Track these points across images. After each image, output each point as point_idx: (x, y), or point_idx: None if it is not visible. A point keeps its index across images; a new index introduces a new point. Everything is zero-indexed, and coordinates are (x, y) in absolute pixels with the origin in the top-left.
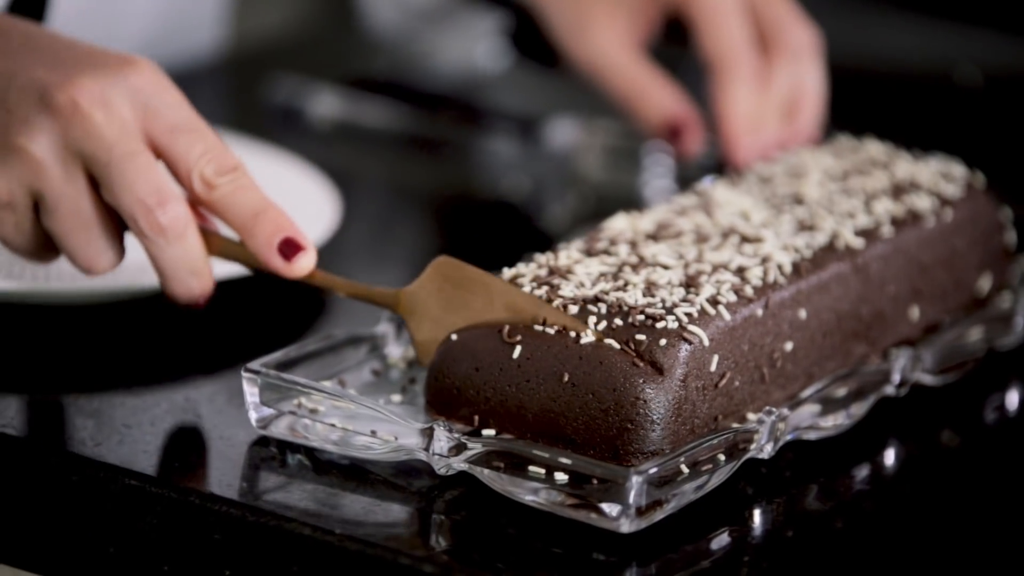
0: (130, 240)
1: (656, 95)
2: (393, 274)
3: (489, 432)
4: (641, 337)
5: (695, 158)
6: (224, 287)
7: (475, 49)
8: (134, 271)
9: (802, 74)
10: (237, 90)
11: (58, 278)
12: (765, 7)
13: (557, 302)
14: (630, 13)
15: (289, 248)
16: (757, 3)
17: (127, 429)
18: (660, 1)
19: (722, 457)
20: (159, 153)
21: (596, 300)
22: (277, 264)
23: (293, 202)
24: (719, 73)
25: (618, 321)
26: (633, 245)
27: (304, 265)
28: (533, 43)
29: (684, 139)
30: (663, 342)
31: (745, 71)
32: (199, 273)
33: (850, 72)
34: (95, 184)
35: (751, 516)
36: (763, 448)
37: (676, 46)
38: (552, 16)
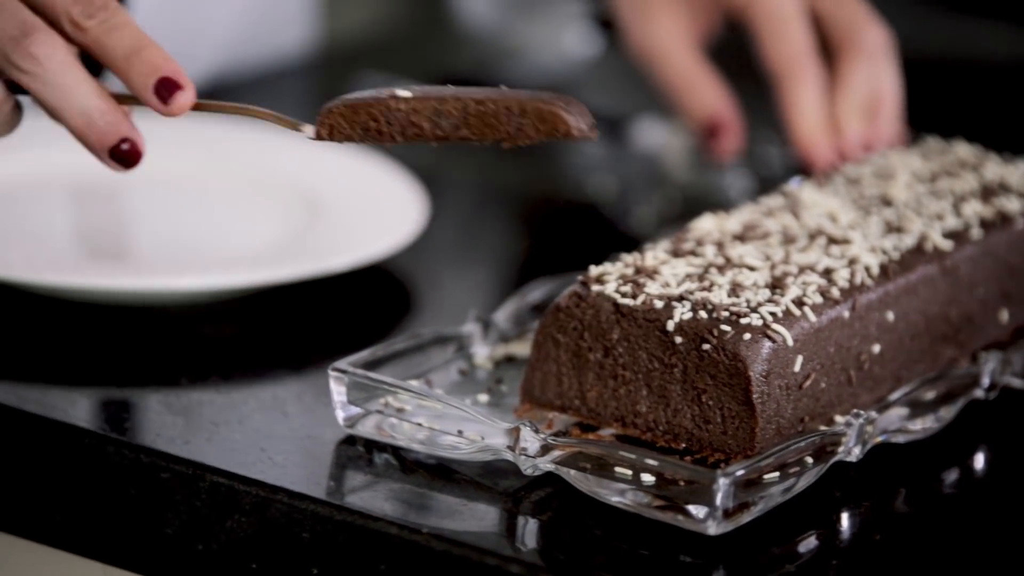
0: (219, 245)
1: (702, 91)
2: (480, 274)
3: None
4: (725, 329)
5: (730, 160)
6: (310, 285)
7: (564, 37)
8: (218, 272)
9: (878, 75)
10: (326, 89)
11: (148, 276)
12: (836, 8)
13: (641, 298)
14: (691, 9)
15: (165, 87)
16: (826, 5)
17: (215, 427)
18: (722, 3)
19: (810, 460)
20: (28, 3)
21: (681, 299)
22: (154, 104)
23: (381, 201)
24: (784, 80)
25: (702, 316)
26: (719, 246)
27: (182, 104)
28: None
29: (722, 139)
30: (747, 337)
31: (811, 78)
32: (94, 111)
33: (939, 72)
34: None
35: (839, 519)
36: (851, 451)
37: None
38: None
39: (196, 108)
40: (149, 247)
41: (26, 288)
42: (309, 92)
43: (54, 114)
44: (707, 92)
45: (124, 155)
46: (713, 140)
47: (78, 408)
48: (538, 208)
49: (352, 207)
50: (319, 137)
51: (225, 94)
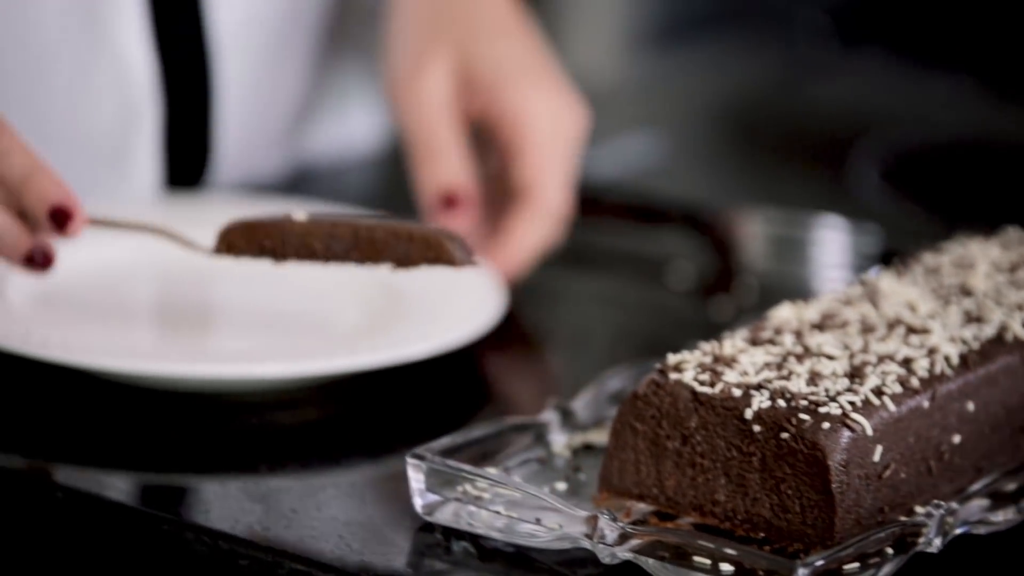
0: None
1: (445, 162)
2: (558, 362)
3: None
4: (804, 417)
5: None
6: (390, 371)
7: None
8: (297, 360)
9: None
10: (396, 177)
11: (227, 364)
12: (505, 102)
13: (719, 386)
14: (462, 84)
15: (57, 216)
16: (494, 95)
17: (294, 514)
18: (486, 103)
19: (890, 550)
20: None
21: (759, 387)
22: (52, 232)
23: (458, 293)
24: (525, 200)
25: (781, 404)
26: (798, 335)
27: (74, 229)
28: None
29: (455, 215)
30: (826, 426)
31: (541, 212)
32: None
33: (1017, 161)
34: None
35: None
36: (932, 542)
37: None
38: (393, 49)
39: (95, 224)
40: (229, 334)
41: (106, 375)
42: (380, 181)
43: None
44: (450, 164)
45: (36, 263)
46: (446, 214)
47: (157, 495)
48: (616, 297)
49: (432, 294)
50: (218, 251)
51: (295, 183)
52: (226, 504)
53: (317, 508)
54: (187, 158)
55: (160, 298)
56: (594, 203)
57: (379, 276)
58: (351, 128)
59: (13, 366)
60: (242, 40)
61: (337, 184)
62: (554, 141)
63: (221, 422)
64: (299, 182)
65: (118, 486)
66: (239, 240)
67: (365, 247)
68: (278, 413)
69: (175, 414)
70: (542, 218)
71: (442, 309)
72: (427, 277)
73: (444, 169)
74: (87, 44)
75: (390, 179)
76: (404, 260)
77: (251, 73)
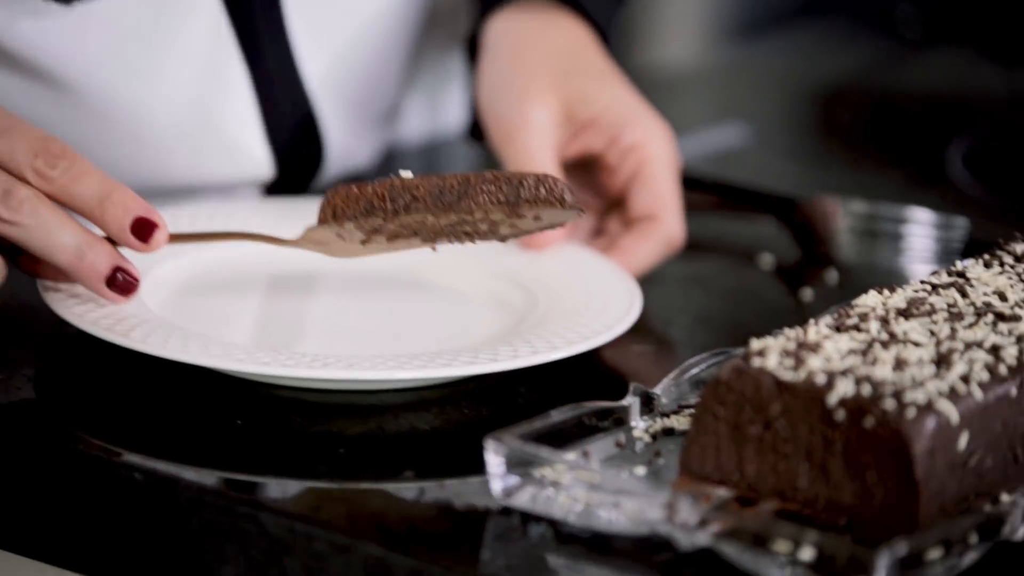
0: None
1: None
2: (641, 347)
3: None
4: (889, 404)
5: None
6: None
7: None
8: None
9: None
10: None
11: (309, 367)
12: (616, 119)
13: (803, 372)
14: (565, 122)
15: (142, 228)
16: (598, 110)
17: (371, 498)
18: (598, 137)
19: (974, 538)
20: None
21: (844, 374)
22: (133, 245)
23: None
24: (649, 225)
25: (865, 393)
26: (884, 322)
27: (159, 240)
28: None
29: (550, 237)
30: (911, 413)
31: (662, 236)
32: (83, 244)
33: None
34: None
35: None
36: (1017, 530)
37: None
38: (495, 86)
39: (176, 240)
40: (361, 340)
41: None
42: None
43: (46, 255)
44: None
45: (120, 285)
46: (540, 237)
47: (243, 484)
48: (702, 283)
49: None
50: (322, 220)
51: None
52: (305, 490)
53: (395, 493)
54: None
55: (277, 301)
56: (684, 190)
57: (508, 278)
58: (442, 114)
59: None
60: (336, 83)
61: (429, 164)
62: (671, 173)
63: (292, 412)
64: (392, 165)
65: (197, 474)
66: (343, 204)
67: (475, 193)
68: (355, 404)
69: (252, 406)
70: (664, 242)
71: (580, 312)
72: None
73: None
74: (200, 129)
75: (480, 157)
76: (515, 203)
77: (348, 85)
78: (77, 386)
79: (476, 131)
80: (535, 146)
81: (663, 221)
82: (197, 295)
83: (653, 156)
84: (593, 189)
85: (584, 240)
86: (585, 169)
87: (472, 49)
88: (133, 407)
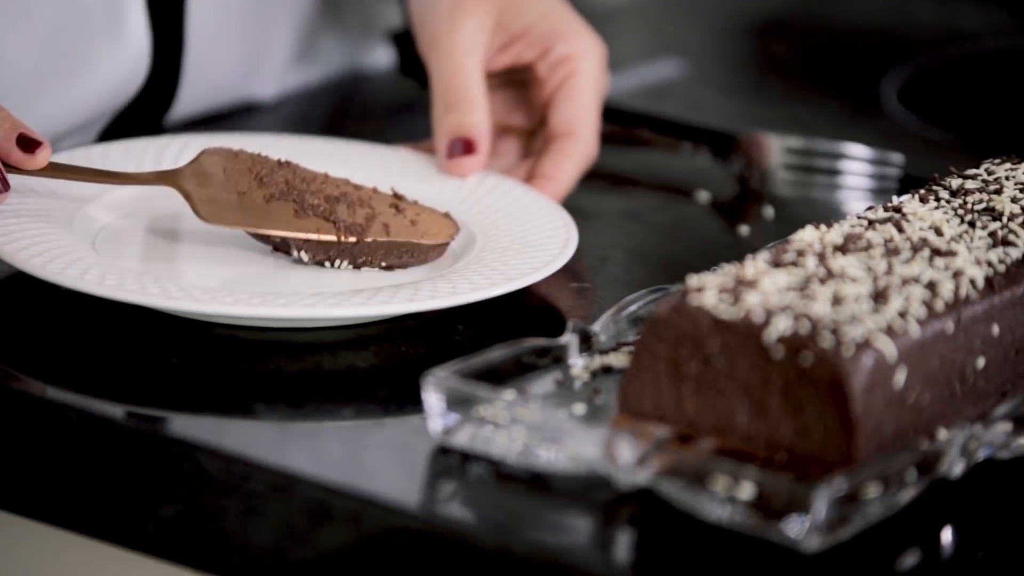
0: None
1: (470, 110)
2: (578, 284)
3: (670, 445)
4: (826, 341)
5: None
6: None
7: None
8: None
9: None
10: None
11: (292, 307)
12: (544, 26)
13: (741, 310)
14: (497, 28)
15: (26, 142)
16: (529, 21)
17: (309, 436)
18: (530, 50)
19: (912, 475)
20: None
21: (781, 311)
22: (18, 157)
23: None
24: (559, 141)
25: (803, 330)
26: (821, 258)
27: (43, 157)
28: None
29: (465, 160)
30: (848, 349)
31: (580, 150)
32: None
33: None
34: None
35: (940, 537)
36: (954, 466)
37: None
38: (425, 2)
39: (58, 174)
40: (297, 277)
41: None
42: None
43: None
44: (474, 112)
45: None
46: (461, 158)
47: (180, 423)
48: (638, 219)
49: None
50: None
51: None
52: (242, 428)
53: (334, 431)
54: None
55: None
56: (618, 125)
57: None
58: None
59: (69, 303)
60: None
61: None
62: (595, 87)
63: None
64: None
65: (134, 413)
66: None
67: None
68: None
69: (227, 352)
70: (582, 160)
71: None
72: (495, 214)
73: (467, 116)
74: None
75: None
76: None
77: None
78: (10, 325)
79: (406, 66)
80: (460, 51)
81: (580, 138)
82: (131, 232)
83: (582, 70)
84: (522, 108)
85: (512, 162)
86: (515, 87)
87: None
88: (68, 346)
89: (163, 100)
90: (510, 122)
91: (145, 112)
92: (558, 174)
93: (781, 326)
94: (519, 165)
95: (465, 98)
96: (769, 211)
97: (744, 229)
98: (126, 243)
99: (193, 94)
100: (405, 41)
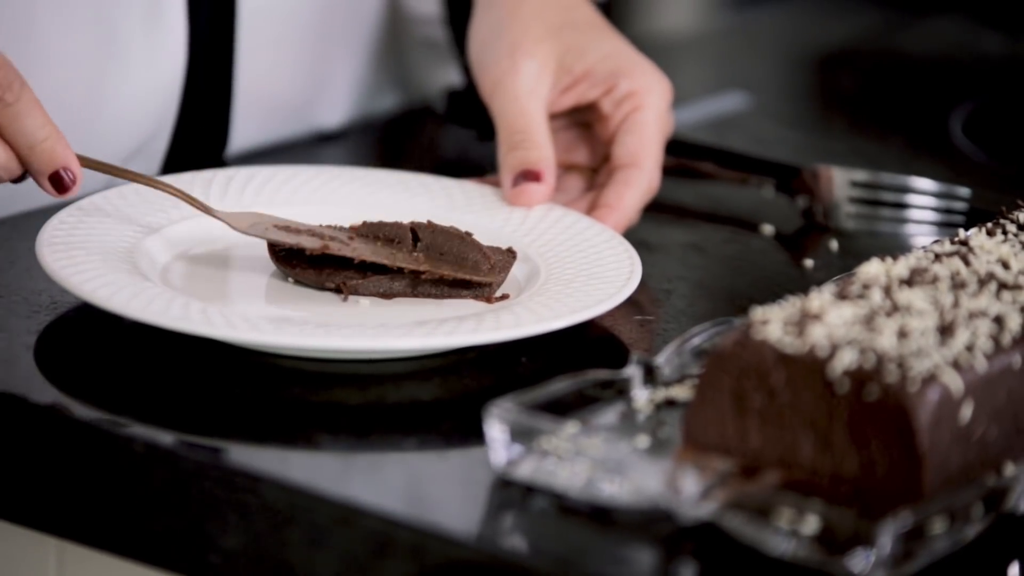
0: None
1: (534, 144)
2: (643, 317)
3: (735, 479)
4: (891, 375)
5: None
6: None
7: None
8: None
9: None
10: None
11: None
12: (609, 66)
13: (806, 343)
14: (559, 69)
15: (58, 182)
16: (593, 61)
17: (372, 468)
18: (593, 89)
19: (978, 510)
20: None
21: (847, 344)
22: (50, 191)
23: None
24: (623, 172)
25: (868, 364)
26: (887, 291)
27: (71, 192)
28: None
29: (536, 189)
30: (913, 384)
31: (644, 182)
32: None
33: None
34: None
35: (1007, 572)
36: (1021, 501)
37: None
38: (485, 43)
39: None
40: (362, 309)
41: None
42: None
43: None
44: (537, 146)
45: (63, 189)
46: (526, 188)
47: (243, 454)
48: (704, 251)
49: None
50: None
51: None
52: (305, 459)
53: (397, 463)
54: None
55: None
56: (683, 157)
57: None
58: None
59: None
60: (262, 26)
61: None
62: (659, 121)
63: (299, 380)
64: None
65: (198, 445)
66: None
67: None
68: (370, 373)
69: (290, 383)
70: (644, 190)
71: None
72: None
73: (531, 152)
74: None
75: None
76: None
77: (265, 55)
78: (76, 356)
79: (453, 114)
80: (524, 93)
81: (643, 168)
82: (194, 262)
83: (647, 105)
84: (586, 146)
85: (575, 197)
86: (578, 127)
87: (453, 22)
88: (132, 377)
89: (218, 124)
90: (574, 160)
91: (205, 139)
92: (620, 203)
93: (846, 359)
94: (582, 198)
95: (529, 138)
96: (834, 244)
97: (809, 262)
98: (189, 276)
99: (249, 120)
100: (457, 98)
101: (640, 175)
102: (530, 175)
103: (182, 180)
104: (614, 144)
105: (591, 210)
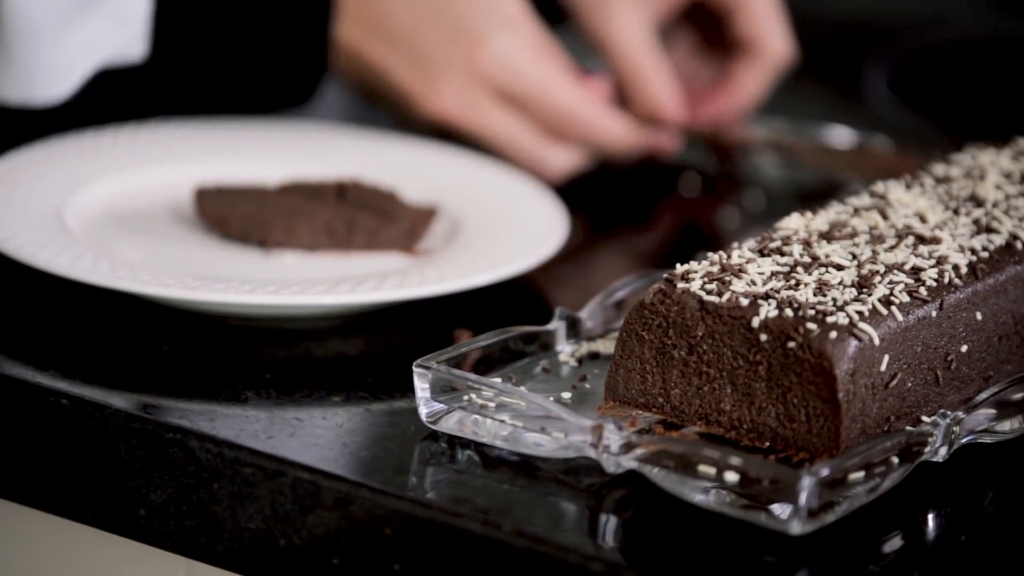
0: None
1: (654, 86)
2: (564, 271)
3: (658, 429)
4: (811, 327)
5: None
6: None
7: None
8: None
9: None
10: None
11: (281, 294)
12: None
13: (727, 296)
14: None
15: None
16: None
17: (299, 423)
18: None
19: (895, 460)
20: None
21: (767, 297)
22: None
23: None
24: (751, 52)
25: (788, 314)
26: (806, 245)
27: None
28: None
29: (662, 136)
30: (833, 335)
31: (769, 64)
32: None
33: None
34: None
35: (924, 520)
36: (937, 451)
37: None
38: None
39: None
40: (288, 263)
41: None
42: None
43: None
44: (659, 88)
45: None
46: (656, 133)
47: (167, 409)
48: (624, 207)
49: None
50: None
51: None
52: (231, 413)
53: (323, 417)
54: None
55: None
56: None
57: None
58: None
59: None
60: None
61: None
62: None
63: (231, 336)
64: None
65: (125, 400)
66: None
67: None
68: (290, 329)
69: (188, 331)
70: (769, 67)
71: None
72: (484, 200)
73: (652, 94)
74: None
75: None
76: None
77: None
78: (1, 313)
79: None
80: (634, 41)
81: (766, 45)
82: (122, 221)
83: None
84: (705, 40)
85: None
86: (695, 23)
87: None
88: (59, 334)
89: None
90: (695, 61)
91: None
92: (745, 82)
93: (766, 312)
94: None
95: (645, 75)
96: (754, 198)
97: (730, 216)
98: (118, 232)
99: None
100: None
101: (762, 55)
102: (661, 122)
103: (107, 134)
104: (731, 24)
105: (713, 94)
